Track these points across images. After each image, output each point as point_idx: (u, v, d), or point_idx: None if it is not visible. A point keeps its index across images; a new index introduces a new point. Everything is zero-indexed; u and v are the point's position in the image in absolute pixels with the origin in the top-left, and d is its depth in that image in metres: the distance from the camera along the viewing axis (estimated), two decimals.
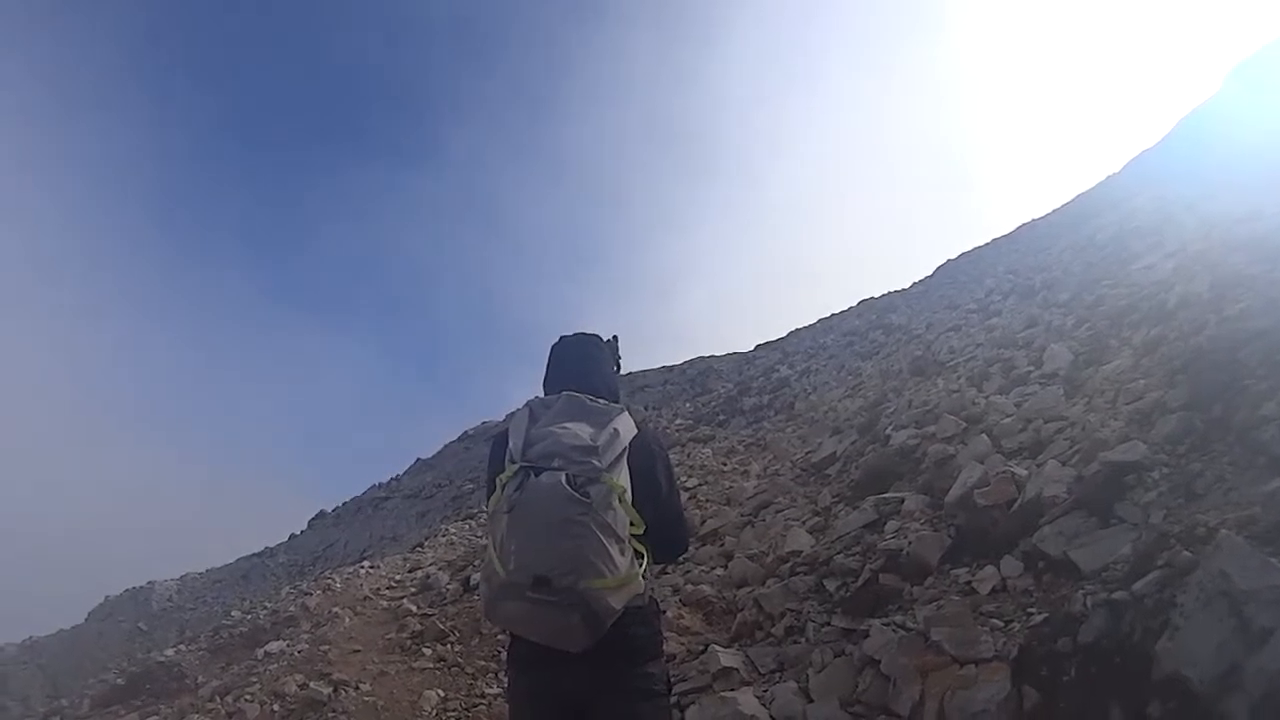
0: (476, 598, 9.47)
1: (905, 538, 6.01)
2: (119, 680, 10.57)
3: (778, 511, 8.83)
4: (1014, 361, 9.42)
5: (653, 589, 2.91)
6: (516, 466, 2.56)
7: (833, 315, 28.81)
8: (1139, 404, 5.98)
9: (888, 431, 9.00)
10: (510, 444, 2.70)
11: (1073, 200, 23.79)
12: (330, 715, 6.88)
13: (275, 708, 7.38)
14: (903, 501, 6.75)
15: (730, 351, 30.33)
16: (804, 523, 7.94)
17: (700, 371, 27.89)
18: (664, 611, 8.47)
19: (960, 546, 5.64)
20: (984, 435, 7.04)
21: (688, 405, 23.43)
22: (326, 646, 8.68)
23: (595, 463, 2.51)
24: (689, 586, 7.58)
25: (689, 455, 14.63)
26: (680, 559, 3.46)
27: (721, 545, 8.60)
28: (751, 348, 29.66)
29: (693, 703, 5.27)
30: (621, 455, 2.63)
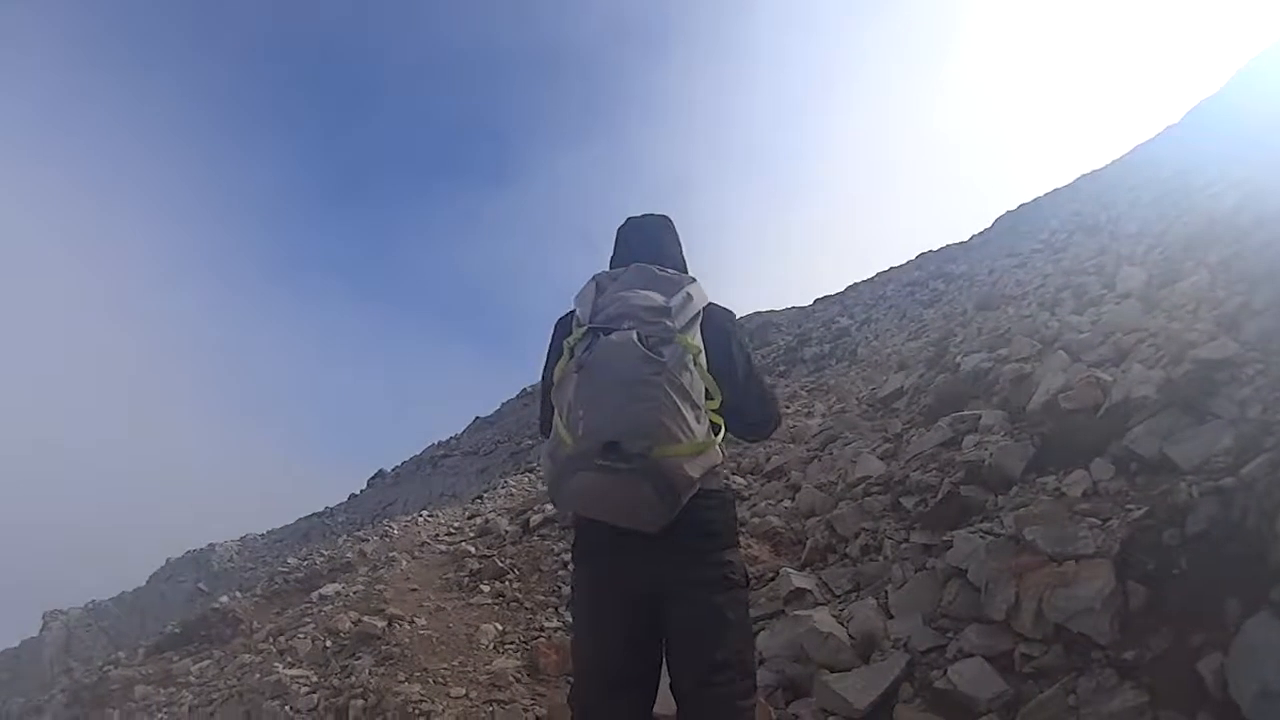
0: (538, 537, 9.46)
1: (985, 449, 5.79)
2: (175, 629, 10.61)
3: (845, 444, 8.55)
4: (1085, 286, 9.08)
5: (729, 475, 2.75)
6: (585, 328, 2.45)
7: (891, 269, 28.32)
8: (1222, 310, 5.71)
9: (957, 360, 8.69)
10: (576, 311, 2.61)
11: (1132, 150, 23.06)
12: (384, 648, 6.78)
13: (328, 643, 7.34)
14: (979, 418, 6.51)
15: (789, 306, 29.97)
16: (874, 450, 7.68)
17: (759, 325, 27.49)
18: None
19: (1045, 454, 5.41)
20: (1061, 352, 6.75)
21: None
22: (382, 587, 8.62)
23: (668, 323, 2.39)
24: (754, 519, 7.36)
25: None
26: (769, 437, 3.26)
27: (787, 479, 8.35)
28: (810, 302, 29.29)
29: (763, 629, 5.08)
30: (695, 319, 2.52)
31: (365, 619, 7.49)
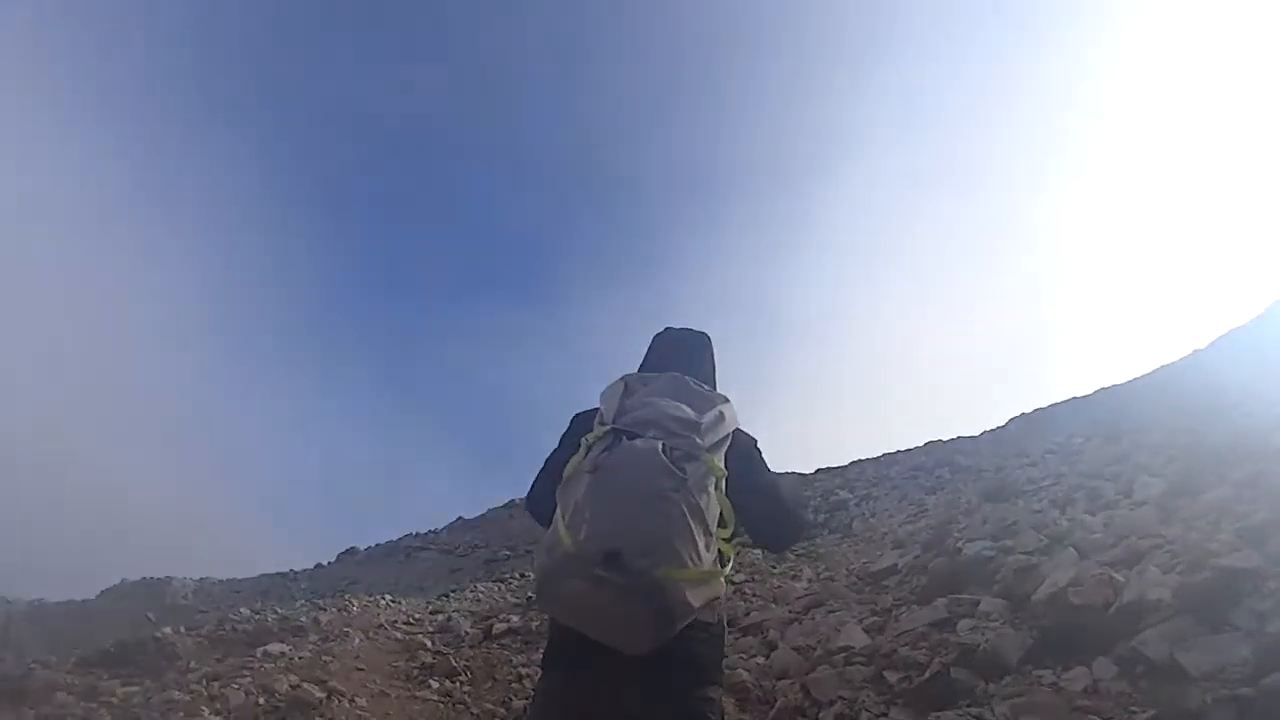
0: (498, 645, 9.12)
1: (982, 634, 5.45)
2: (111, 648, 10.21)
3: (830, 612, 8.19)
4: (1100, 490, 8.79)
5: (723, 611, 2.56)
6: (608, 428, 2.37)
7: (898, 451, 28.01)
8: (1246, 523, 5.47)
9: (959, 545, 8.37)
10: (601, 408, 2.52)
11: (1155, 370, 23.06)
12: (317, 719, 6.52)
13: (261, 700, 7.04)
14: (978, 604, 6.18)
15: (789, 470, 29.64)
16: (860, 621, 7.31)
17: None
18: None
19: (1044, 647, 5.09)
20: (1071, 549, 6.46)
21: None
22: (330, 659, 8.41)
23: (697, 439, 2.30)
24: (724, 670, 6.92)
25: (740, 555, 13.92)
26: (795, 545, 3.05)
27: (764, 637, 7.96)
28: (812, 470, 28.98)
29: None
30: (724, 441, 2.43)
31: (305, 685, 7.24)
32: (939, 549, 8.91)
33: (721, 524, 2.31)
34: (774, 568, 12.38)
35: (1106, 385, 24.65)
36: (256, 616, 12.61)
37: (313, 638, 10.08)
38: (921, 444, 27.52)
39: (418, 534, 38.22)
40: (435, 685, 7.97)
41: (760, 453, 2.68)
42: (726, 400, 2.58)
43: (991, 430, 26.22)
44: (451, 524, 38.60)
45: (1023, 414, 26.49)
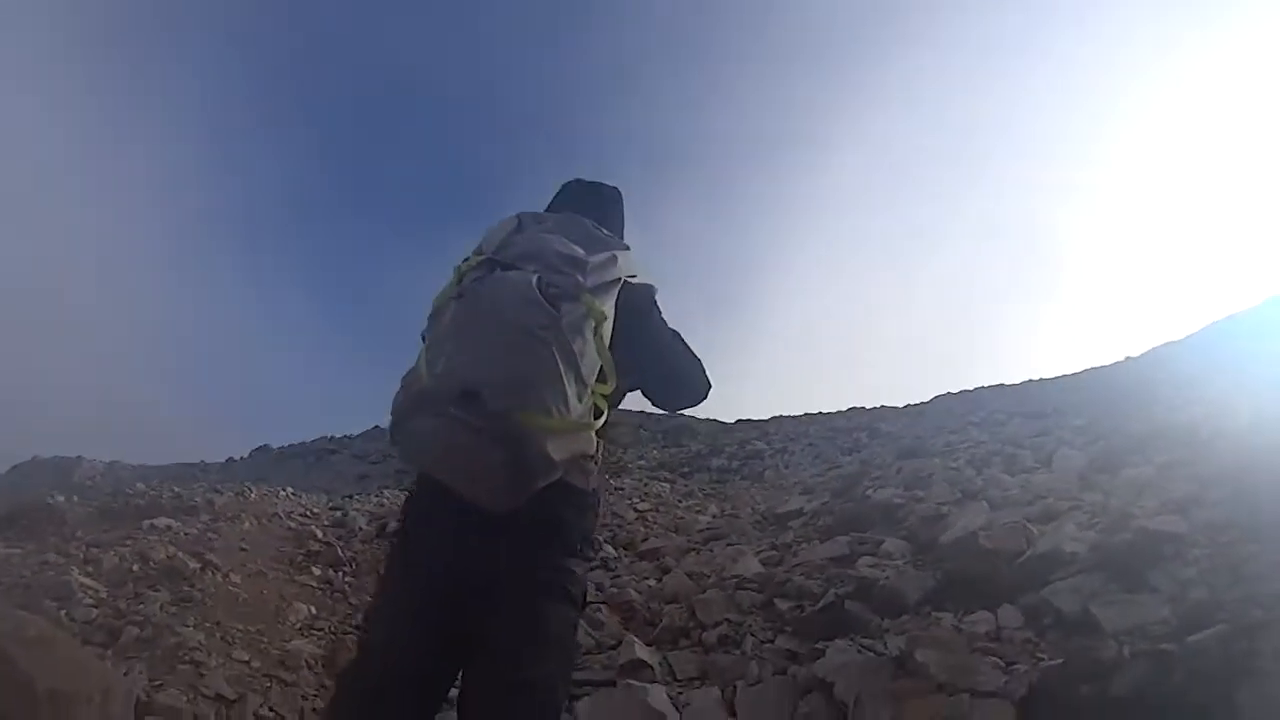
0: (390, 543, 8.81)
1: (882, 571, 5.18)
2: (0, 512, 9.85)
3: (729, 544, 7.96)
4: (1018, 457, 8.57)
5: (600, 475, 2.29)
6: (483, 258, 2.16)
7: (819, 413, 28.07)
8: (1169, 497, 5.22)
9: (868, 492, 8.13)
10: (481, 241, 2.27)
11: (1085, 370, 23.15)
12: (186, 589, 6.37)
13: (135, 567, 6.85)
14: (881, 543, 5.92)
15: (711, 418, 29.55)
16: (758, 554, 7.04)
17: (676, 426, 27.05)
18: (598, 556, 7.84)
19: (946, 589, 4.84)
20: (983, 502, 6.20)
21: (656, 452, 22.63)
22: (214, 536, 8.31)
23: (579, 278, 2.08)
24: (613, 589, 6.85)
25: (646, 485, 13.92)
26: (692, 405, 2.63)
27: (659, 563, 7.80)
28: (732, 421, 28.91)
29: (588, 694, 4.45)
30: (611, 286, 2.19)
31: (180, 555, 7.15)
32: (848, 496, 8.69)
33: (601, 378, 2.07)
34: (680, 501, 12.27)
35: (1035, 378, 24.77)
36: (151, 492, 12.04)
37: (204, 517, 9.87)
38: (844, 409, 27.59)
39: (332, 438, 37.80)
40: (317, 572, 7.82)
41: (658, 307, 2.45)
42: (626, 248, 2.34)
43: (915, 404, 26.31)
44: (368, 431, 38.20)
45: (948, 392, 26.59)
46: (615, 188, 2.80)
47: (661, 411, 2.77)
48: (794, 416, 27.98)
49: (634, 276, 2.30)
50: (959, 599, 4.68)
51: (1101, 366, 22.23)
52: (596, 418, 2.09)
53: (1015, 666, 3.53)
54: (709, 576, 6.73)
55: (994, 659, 3.63)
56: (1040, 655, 3.66)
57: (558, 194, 2.75)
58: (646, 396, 2.52)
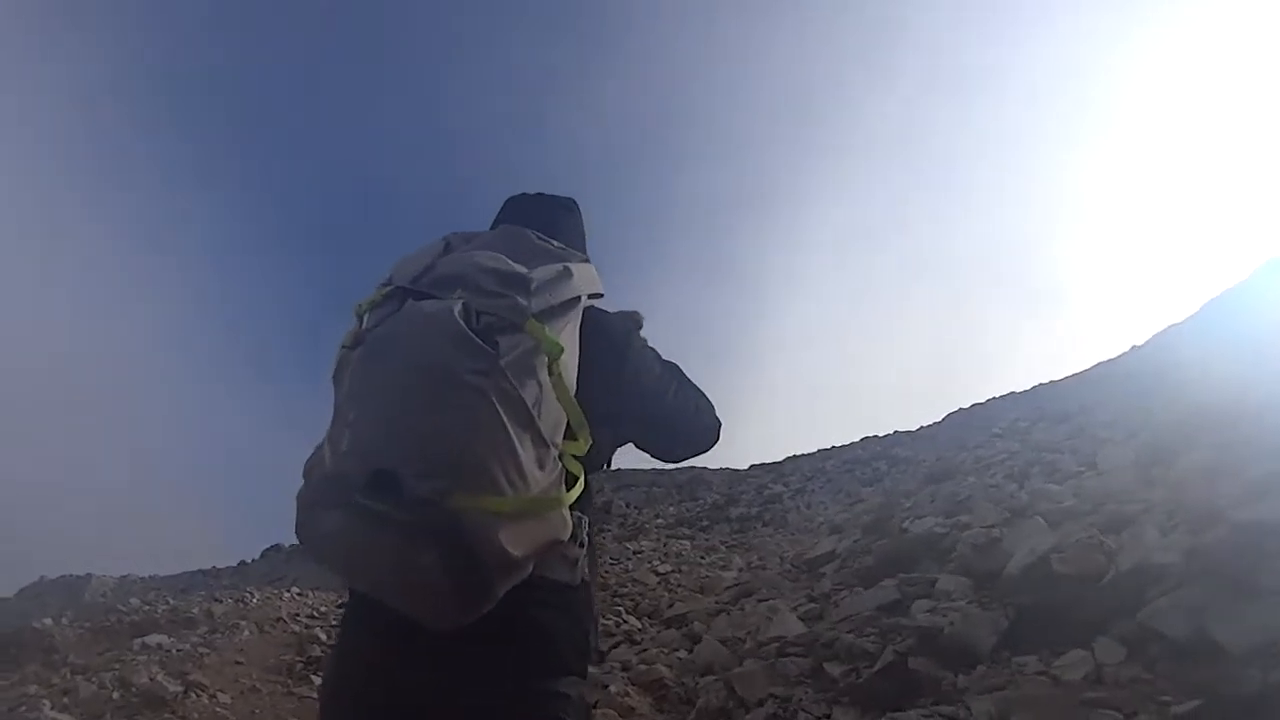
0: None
1: (944, 616, 4.47)
2: None
3: (761, 600, 7.32)
4: (1058, 463, 7.93)
5: (586, 552, 1.71)
6: (390, 288, 1.63)
7: (833, 447, 27.48)
8: (1246, 477, 4.52)
9: (904, 525, 7.43)
10: (390, 270, 1.71)
11: (1093, 366, 22.56)
12: (167, 717, 6.12)
13: (115, 695, 6.51)
14: (935, 582, 5.22)
15: (724, 467, 28.90)
16: (796, 608, 6.37)
17: (690, 479, 26.40)
18: (601, 625, 7.18)
19: (1023, 628, 4.15)
20: (1038, 518, 5.52)
21: (672, 509, 21.97)
22: (208, 651, 7.88)
23: (520, 300, 1.52)
24: (640, 666, 6.28)
25: (665, 545, 13.28)
26: (701, 453, 2.16)
27: (688, 629, 7.18)
28: (746, 466, 28.26)
29: None
30: (567, 308, 1.62)
31: (162, 679, 6.75)
32: (882, 531, 8.01)
33: (569, 434, 1.55)
34: (702, 558, 11.73)
35: (1044, 381, 24.19)
36: (145, 607, 11.78)
37: (201, 629, 9.42)
38: (858, 439, 27.05)
39: None
40: (318, 681, 7.20)
41: (641, 337, 1.91)
42: (586, 260, 1.78)
43: (928, 425, 25.78)
44: None
45: (960, 409, 26.06)
46: (570, 198, 2.20)
47: (669, 465, 2.16)
48: (808, 454, 27.43)
49: (598, 295, 1.74)
50: (1041, 638, 4.01)
51: (1110, 359, 21.65)
52: (569, 487, 1.55)
53: (1137, 718, 2.85)
54: (744, 641, 6.15)
55: (1108, 711, 2.97)
56: (1164, 697, 2.99)
57: (499, 213, 2.13)
58: (642, 449, 1.99)
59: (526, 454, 1.43)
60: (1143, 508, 4.96)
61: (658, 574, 10.25)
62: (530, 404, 1.44)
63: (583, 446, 1.57)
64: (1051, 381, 23.54)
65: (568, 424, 1.54)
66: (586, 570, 1.72)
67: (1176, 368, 11.67)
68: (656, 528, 17.70)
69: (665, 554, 12.18)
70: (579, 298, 1.64)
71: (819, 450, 27.58)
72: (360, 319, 1.61)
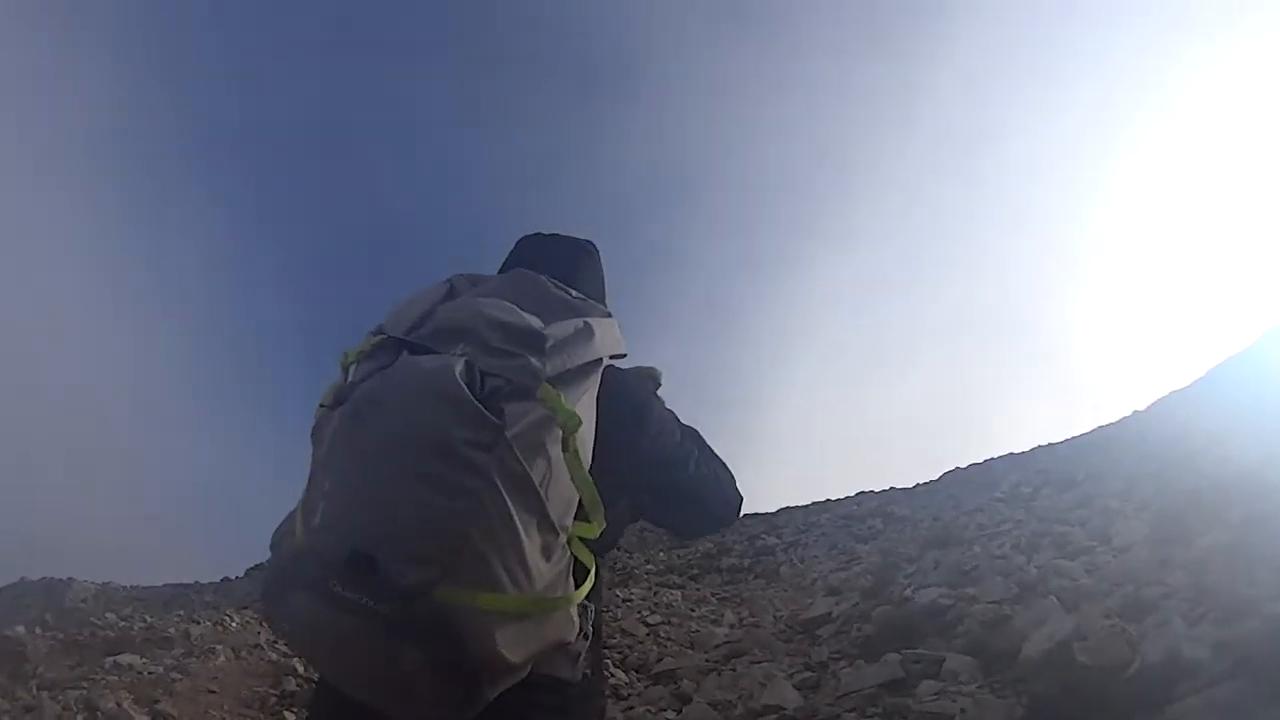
0: None
1: (953, 701, 4.21)
2: None
3: (754, 662, 7.06)
4: (1069, 536, 7.67)
5: (588, 644, 1.48)
6: (381, 337, 1.44)
7: (828, 500, 27.13)
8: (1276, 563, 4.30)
9: (906, 592, 7.17)
10: (387, 315, 1.53)
11: (1094, 430, 22.26)
12: None
13: (79, 718, 6.41)
14: (943, 661, 4.95)
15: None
16: (791, 676, 6.11)
17: None
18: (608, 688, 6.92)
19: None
20: (1053, 598, 5.27)
21: (662, 554, 21.52)
22: (179, 676, 7.64)
23: (533, 361, 1.32)
24: None
25: (655, 595, 12.98)
26: (721, 529, 1.87)
27: (677, 687, 6.88)
28: (739, 517, 27.97)
29: None
30: (589, 374, 1.43)
31: (129, 706, 6.60)
32: (882, 596, 7.74)
33: (580, 514, 1.35)
34: (693, 609, 11.44)
35: (1044, 443, 23.85)
36: (122, 623, 11.50)
37: (176, 651, 9.17)
38: (853, 494, 26.72)
39: None
40: (290, 717, 7.16)
41: (659, 399, 1.74)
42: (608, 314, 1.59)
43: (925, 484, 25.47)
44: None
45: (957, 468, 25.74)
46: (589, 240, 1.99)
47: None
48: (802, 506, 27.06)
49: (620, 355, 1.55)
50: None
51: (1111, 424, 21.39)
52: (579, 581, 1.37)
53: None
54: (736, 706, 5.91)
55: None
56: None
57: (510, 254, 1.93)
58: (659, 525, 1.88)
59: (531, 544, 1.24)
60: (1163, 592, 4.72)
61: (647, 625, 9.95)
62: (539, 484, 1.25)
63: (595, 530, 1.37)
64: (1050, 444, 23.20)
65: (579, 504, 1.34)
66: (589, 664, 1.51)
67: (1185, 436, 11.44)
68: (647, 574, 17.37)
69: (655, 604, 11.85)
70: (600, 360, 1.45)
71: (813, 503, 27.19)
72: (346, 371, 1.43)
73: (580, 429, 1.31)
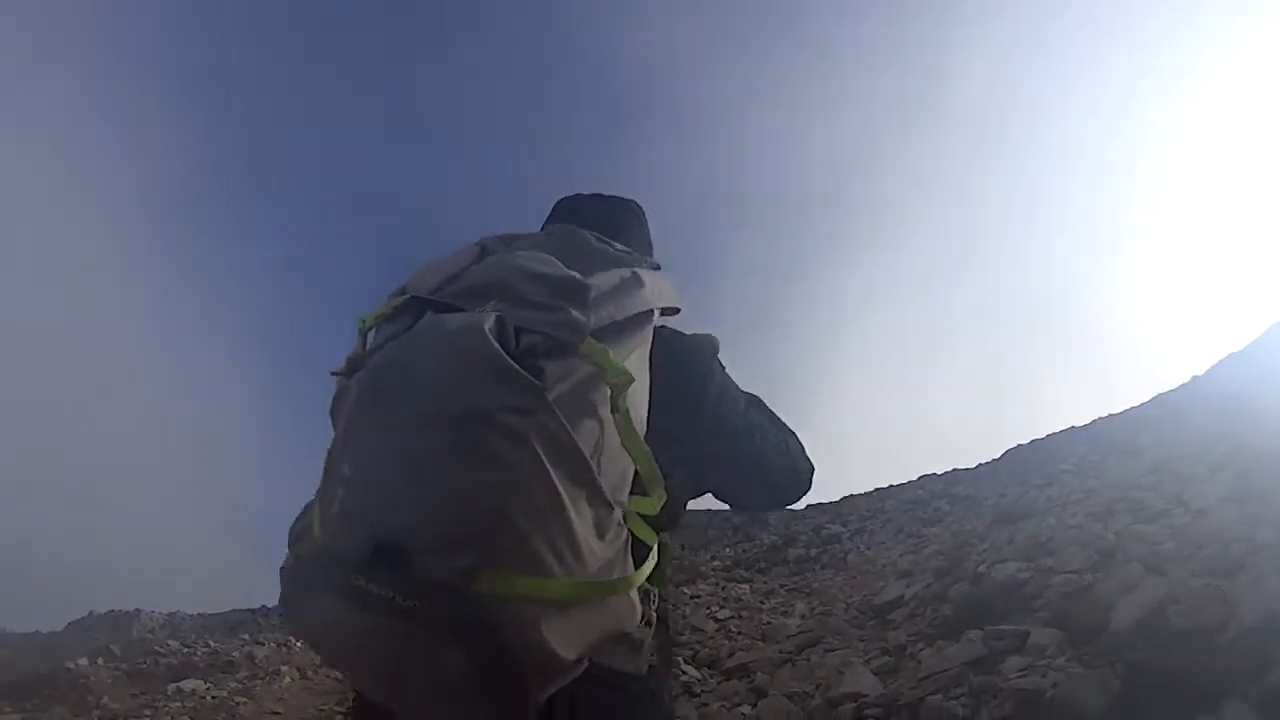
0: None
1: (1043, 676, 4.05)
2: (14, 679, 9.61)
3: (829, 650, 6.89)
4: (1144, 501, 7.39)
5: (656, 630, 1.39)
6: (404, 298, 1.30)
7: (890, 486, 26.80)
8: None
9: (981, 568, 6.96)
10: (407, 279, 1.38)
11: (1154, 398, 21.69)
12: None
13: None
14: (1028, 635, 4.78)
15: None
16: (868, 662, 5.95)
17: (745, 520, 25.79)
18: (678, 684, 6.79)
19: (1138, 692, 3.70)
20: (1135, 563, 5.07)
21: (728, 550, 21.38)
22: (244, 700, 7.71)
23: (575, 313, 1.17)
24: None
25: (723, 589, 12.86)
26: (793, 502, 1.84)
27: (751, 681, 6.74)
28: (802, 507, 27.72)
29: None
30: (639, 327, 1.28)
31: None
32: (956, 574, 7.52)
33: (638, 487, 1.22)
34: (762, 602, 11.31)
35: (1104, 415, 23.33)
36: (185, 649, 11.53)
37: (241, 674, 9.22)
38: (916, 478, 26.38)
39: None
40: None
41: (721, 365, 1.58)
42: (657, 266, 1.48)
43: (987, 463, 25.05)
44: None
45: (1018, 445, 25.28)
46: (633, 200, 1.87)
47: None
48: (865, 494, 26.75)
49: (673, 310, 1.43)
50: (1160, 703, 3.57)
51: (1170, 390, 20.83)
52: (639, 562, 1.23)
53: None
54: (813, 696, 5.76)
55: None
56: None
57: (549, 216, 1.81)
58: (724, 499, 1.68)
59: (582, 519, 1.10)
60: (1250, 549, 4.50)
61: (717, 620, 9.80)
62: (588, 452, 1.11)
63: (654, 504, 1.24)
64: (1110, 415, 22.70)
65: (635, 475, 1.21)
66: (655, 652, 1.40)
67: (1250, 396, 11.09)
68: (713, 570, 17.25)
69: (724, 599, 11.73)
70: (651, 312, 1.32)
71: (876, 490, 26.91)
72: (364, 338, 1.29)
73: (632, 389, 1.19)
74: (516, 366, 1.07)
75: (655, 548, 1.30)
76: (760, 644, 8.14)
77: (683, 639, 9.09)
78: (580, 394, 1.11)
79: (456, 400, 1.08)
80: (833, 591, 11.35)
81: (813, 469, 1.75)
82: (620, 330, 1.23)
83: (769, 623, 9.26)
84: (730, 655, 7.74)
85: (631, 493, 1.22)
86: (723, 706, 6.23)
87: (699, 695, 6.77)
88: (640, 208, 1.87)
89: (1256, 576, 3.92)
